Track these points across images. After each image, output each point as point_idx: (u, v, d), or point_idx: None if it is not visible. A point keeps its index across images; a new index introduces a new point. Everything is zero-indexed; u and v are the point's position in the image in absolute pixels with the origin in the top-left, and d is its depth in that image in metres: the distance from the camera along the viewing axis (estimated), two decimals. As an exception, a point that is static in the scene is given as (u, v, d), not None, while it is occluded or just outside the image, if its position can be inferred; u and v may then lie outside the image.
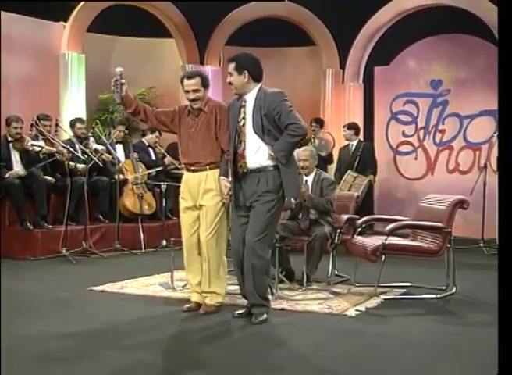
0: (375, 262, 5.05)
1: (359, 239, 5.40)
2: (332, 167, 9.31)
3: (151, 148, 9.00)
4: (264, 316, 4.29)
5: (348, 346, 3.80)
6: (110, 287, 5.49)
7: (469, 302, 5.05)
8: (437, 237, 5.08)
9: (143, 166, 8.55)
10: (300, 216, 5.74)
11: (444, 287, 5.31)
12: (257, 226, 4.28)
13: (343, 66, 10.38)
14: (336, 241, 5.66)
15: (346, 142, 9.15)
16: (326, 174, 6.05)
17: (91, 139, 8.19)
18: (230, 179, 4.45)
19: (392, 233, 5.04)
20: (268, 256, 4.36)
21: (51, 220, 7.67)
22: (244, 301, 4.56)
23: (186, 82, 4.59)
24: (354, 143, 8.99)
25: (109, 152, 8.15)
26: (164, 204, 8.26)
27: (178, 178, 8.56)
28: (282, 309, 4.68)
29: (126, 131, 8.64)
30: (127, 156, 8.48)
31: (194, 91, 4.53)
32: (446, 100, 10.24)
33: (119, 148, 8.57)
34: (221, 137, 4.52)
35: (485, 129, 9.99)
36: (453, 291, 5.19)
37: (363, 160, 8.79)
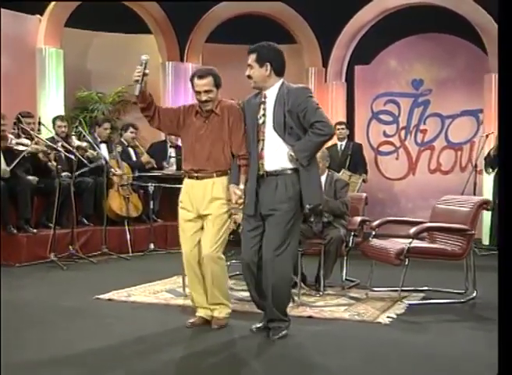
0: (398, 266, 4.89)
1: (377, 242, 5.25)
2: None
3: (131, 147, 8.67)
4: (284, 331, 3.96)
5: (402, 358, 3.61)
6: (116, 295, 5.19)
7: (494, 306, 4.91)
8: (460, 239, 4.96)
9: (127, 166, 8.22)
10: (312, 219, 5.51)
11: (463, 291, 5.20)
12: (276, 238, 3.89)
13: (325, 64, 10.24)
14: (350, 244, 5.49)
15: (334, 142, 8.99)
16: (338, 175, 5.87)
17: (73, 137, 7.83)
18: (241, 186, 4.07)
19: (417, 236, 4.90)
20: (290, 270, 4.02)
21: (33, 224, 7.27)
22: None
23: (197, 81, 4.13)
24: (344, 142, 8.86)
25: (94, 150, 7.78)
26: (151, 206, 7.96)
27: (161, 179, 8.34)
28: (309, 317, 4.49)
29: (111, 130, 8.31)
30: (112, 156, 8.12)
31: (206, 91, 4.10)
32: (427, 100, 10.23)
33: (103, 147, 8.20)
34: (234, 140, 4.13)
35: (466, 129, 10.04)
36: (474, 294, 5.07)
37: (354, 160, 8.67)
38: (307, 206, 3.99)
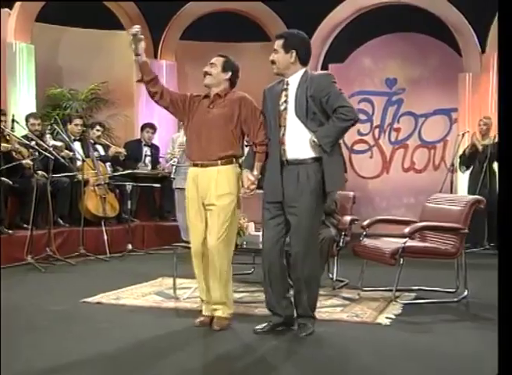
0: (392, 266, 4.86)
1: (369, 242, 5.21)
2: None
3: (99, 144, 8.48)
4: (311, 329, 3.95)
5: (412, 359, 3.56)
6: (104, 298, 5.03)
7: (488, 305, 4.93)
8: (453, 238, 4.95)
9: (103, 165, 8.04)
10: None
11: (453, 290, 5.20)
12: (303, 229, 3.88)
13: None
14: (341, 244, 5.43)
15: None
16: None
17: (48, 136, 7.59)
18: (255, 173, 4.04)
19: (412, 235, 4.88)
20: (318, 262, 4.03)
21: (7, 225, 7.04)
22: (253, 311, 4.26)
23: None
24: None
25: (70, 149, 7.58)
26: (129, 206, 7.79)
27: (137, 178, 8.18)
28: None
29: (84, 128, 8.10)
30: (87, 155, 7.91)
31: (211, 64, 4.16)
32: (400, 98, 10.28)
33: (78, 145, 7.99)
34: (251, 128, 4.08)
35: (439, 128, 10.12)
36: (465, 293, 5.07)
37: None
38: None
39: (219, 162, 4.08)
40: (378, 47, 10.32)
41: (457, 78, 9.47)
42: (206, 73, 4.16)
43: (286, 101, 3.95)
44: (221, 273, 4.07)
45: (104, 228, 7.63)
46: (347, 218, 5.56)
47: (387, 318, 4.41)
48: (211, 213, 4.08)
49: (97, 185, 7.74)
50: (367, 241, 5.26)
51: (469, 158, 8.51)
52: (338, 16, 10.00)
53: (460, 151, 8.61)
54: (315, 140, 3.84)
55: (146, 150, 8.88)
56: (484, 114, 8.83)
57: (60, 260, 6.82)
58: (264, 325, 4.04)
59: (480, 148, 8.32)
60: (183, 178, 7.86)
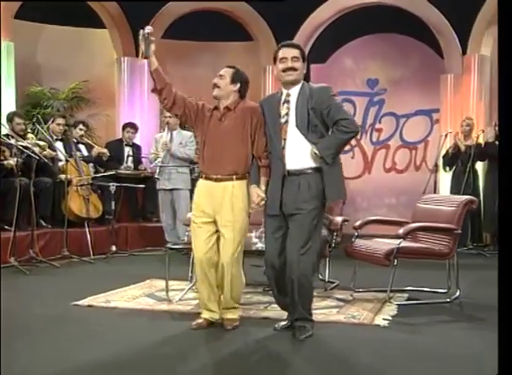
0: (387, 267, 4.85)
1: (362, 243, 5.19)
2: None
3: (81, 144, 8.36)
4: (310, 331, 3.94)
5: (415, 360, 3.55)
6: (94, 301, 4.93)
7: (480, 305, 4.95)
8: (446, 239, 4.96)
9: (86, 166, 7.91)
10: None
11: (445, 290, 5.21)
12: (300, 238, 3.88)
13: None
14: (333, 245, 5.41)
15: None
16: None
17: (31, 135, 7.46)
18: (263, 187, 4.04)
19: (406, 236, 4.87)
20: (313, 269, 4.01)
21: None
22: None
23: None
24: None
25: (53, 149, 7.44)
26: (113, 206, 7.68)
27: (120, 179, 8.06)
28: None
29: (66, 127, 7.96)
30: (69, 154, 7.77)
31: (220, 75, 4.12)
32: (382, 99, 10.32)
33: (60, 145, 7.85)
34: (257, 141, 4.06)
35: (420, 128, 10.18)
36: (458, 294, 5.08)
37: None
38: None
39: (234, 177, 4.06)
40: (360, 47, 10.35)
41: (438, 79, 9.53)
42: (215, 85, 4.11)
43: (287, 114, 3.96)
44: (234, 285, 4.10)
45: (87, 229, 7.52)
46: (338, 219, 5.54)
47: (384, 319, 4.40)
48: (226, 229, 4.05)
49: (81, 186, 7.62)
50: (359, 242, 5.24)
51: (452, 159, 8.56)
52: (320, 17, 9.99)
53: (443, 152, 8.65)
54: (317, 152, 3.86)
55: (128, 150, 8.75)
56: (465, 115, 8.91)
57: (44, 262, 6.69)
58: (284, 323, 4.11)
59: (463, 148, 8.37)
60: (167, 179, 7.84)
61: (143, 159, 8.86)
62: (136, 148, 8.86)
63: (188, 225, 5.73)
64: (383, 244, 5.00)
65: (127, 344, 3.78)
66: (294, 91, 3.98)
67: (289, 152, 3.93)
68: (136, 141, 8.91)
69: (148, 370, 3.37)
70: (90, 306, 4.79)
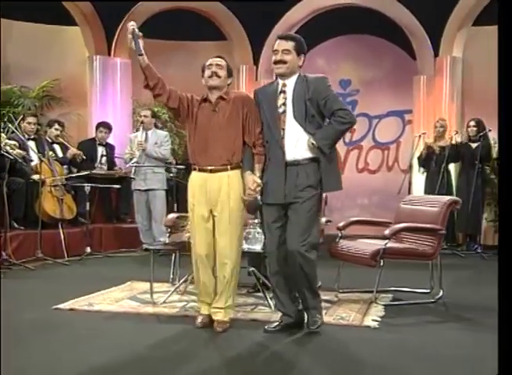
0: (373, 267, 4.85)
1: (347, 243, 5.18)
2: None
3: (56, 144, 8.19)
4: (320, 320, 4.04)
5: (415, 362, 3.54)
6: (76, 304, 4.83)
7: (464, 305, 4.98)
8: (430, 239, 4.98)
9: (59, 165, 7.75)
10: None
11: (428, 291, 5.24)
12: (300, 227, 3.91)
13: (256, 62, 10.13)
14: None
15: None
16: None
17: (3, 134, 7.27)
18: (257, 174, 4.04)
19: (392, 236, 4.88)
20: (315, 257, 4.02)
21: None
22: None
23: (212, 58, 4.13)
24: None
25: (24, 148, 7.26)
26: (88, 207, 7.54)
27: (93, 179, 7.91)
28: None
29: (39, 126, 7.79)
30: (42, 154, 7.59)
31: (218, 65, 4.08)
32: (355, 100, 10.36)
33: (32, 144, 7.66)
34: (251, 129, 4.05)
35: (392, 129, 10.27)
36: (441, 294, 5.11)
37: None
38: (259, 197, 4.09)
39: (229, 167, 4.06)
40: (333, 48, 10.38)
41: (410, 80, 9.61)
42: (215, 74, 4.05)
43: (284, 104, 3.97)
44: (232, 280, 4.10)
45: (61, 231, 7.36)
46: (322, 219, 5.51)
47: (373, 320, 4.39)
48: (223, 219, 4.05)
49: (54, 186, 7.45)
50: (343, 243, 5.23)
51: (426, 160, 8.63)
52: (294, 17, 9.98)
53: (418, 153, 8.72)
54: (314, 142, 3.88)
55: (101, 150, 8.60)
56: (438, 116, 8.99)
57: (17, 265, 6.53)
58: (275, 324, 4.11)
59: (437, 149, 8.44)
60: (142, 179, 7.74)
61: (116, 159, 8.73)
62: (110, 148, 8.72)
63: (170, 226, 5.71)
64: (368, 245, 5.00)
65: (119, 349, 3.69)
66: (290, 82, 4.00)
67: (288, 142, 3.95)
68: (109, 140, 8.77)
69: (144, 374, 3.30)
70: (72, 310, 4.67)
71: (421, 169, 8.76)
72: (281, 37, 4.08)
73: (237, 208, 4.08)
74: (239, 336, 4.01)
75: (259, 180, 4.00)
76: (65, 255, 7.23)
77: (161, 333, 4.06)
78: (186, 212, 7.13)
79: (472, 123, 8.33)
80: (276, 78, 4.09)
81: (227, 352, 3.68)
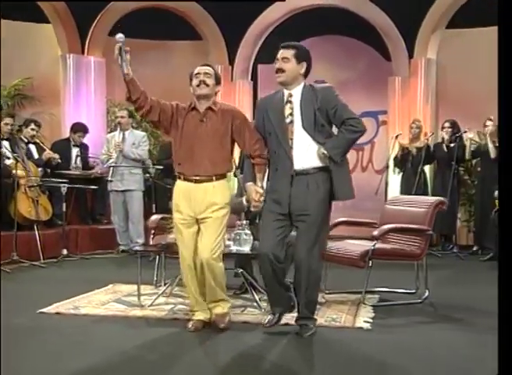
0: (361, 268, 4.85)
1: (334, 244, 5.17)
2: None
3: (32, 144, 8.02)
4: (313, 329, 4.02)
5: (415, 363, 3.55)
6: (62, 308, 4.73)
7: (451, 305, 5.01)
8: (417, 239, 5.01)
9: (34, 166, 7.59)
10: (258, 220, 5.35)
11: (413, 291, 5.27)
12: (310, 236, 3.91)
13: (231, 62, 10.08)
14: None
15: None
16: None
17: (-23, 135, 7.11)
18: (259, 184, 4.03)
19: (381, 237, 4.89)
20: (321, 268, 4.05)
21: None
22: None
23: (199, 67, 4.10)
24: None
25: (-2, 150, 7.12)
26: (64, 208, 7.39)
27: (69, 179, 7.76)
28: (286, 324, 4.25)
29: (16, 127, 7.62)
30: (17, 154, 7.41)
31: (206, 73, 4.05)
32: (329, 100, 10.33)
33: (6, 144, 7.49)
34: (246, 140, 4.05)
35: (367, 130, 10.26)
36: (427, 294, 5.14)
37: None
38: (245, 202, 4.31)
39: (214, 177, 4.04)
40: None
41: (384, 82, 9.67)
42: (203, 83, 4.02)
43: (291, 114, 3.95)
44: (216, 279, 4.08)
45: (37, 232, 7.21)
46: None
47: (365, 322, 4.39)
48: (205, 225, 4.05)
49: (29, 187, 7.30)
50: (330, 244, 5.20)
51: (401, 161, 8.69)
52: (269, 17, 9.96)
53: (394, 153, 8.77)
54: (325, 152, 3.86)
55: (76, 150, 8.45)
56: (413, 117, 9.07)
57: (-9, 267, 6.37)
58: (270, 317, 4.12)
59: (414, 151, 8.51)
60: (119, 180, 7.63)
61: (91, 159, 8.59)
62: (84, 148, 8.58)
63: (153, 228, 5.64)
64: (356, 246, 5.01)
65: (113, 353, 3.62)
66: (296, 92, 3.98)
67: (297, 152, 3.92)
68: (83, 140, 8.61)
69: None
70: (58, 314, 4.58)
71: (397, 170, 8.81)
72: (282, 46, 4.06)
73: (220, 215, 4.05)
74: (233, 339, 3.97)
75: (261, 190, 4.00)
76: (41, 257, 7.08)
77: (153, 336, 4.00)
78: (166, 212, 7.13)
79: (447, 125, 8.41)
80: (281, 88, 4.04)
81: (223, 356, 3.63)
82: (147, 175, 7.89)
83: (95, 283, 5.72)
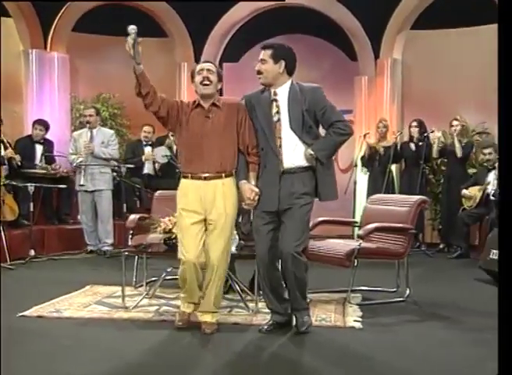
0: (347, 268, 4.86)
1: (317, 244, 5.15)
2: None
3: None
4: (309, 321, 4.08)
5: (415, 363, 3.56)
6: (42, 311, 4.59)
7: (434, 303, 5.06)
8: (401, 238, 5.04)
9: (-1, 165, 7.35)
10: (239, 220, 5.30)
11: (394, 289, 5.30)
12: (296, 231, 3.92)
13: (197, 60, 9.95)
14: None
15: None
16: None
17: None
18: (253, 182, 3.99)
19: (367, 236, 4.90)
20: (306, 260, 4.03)
21: None
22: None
23: (201, 64, 4.11)
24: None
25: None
26: (31, 208, 7.18)
27: (35, 178, 7.55)
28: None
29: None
30: (-20, 152, 7.20)
31: (209, 70, 4.02)
32: (295, 100, 10.35)
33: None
34: (247, 137, 4.01)
35: (332, 129, 10.31)
36: (408, 292, 5.18)
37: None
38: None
39: (223, 174, 4.00)
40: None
41: (350, 81, 9.73)
42: (208, 79, 3.99)
43: (278, 113, 3.94)
44: (220, 283, 4.06)
45: (2, 233, 6.97)
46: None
47: (356, 321, 4.38)
48: (216, 226, 4.00)
49: (-5, 186, 7.07)
50: (313, 243, 5.18)
51: (369, 161, 8.76)
52: (235, 15, 9.89)
53: (361, 153, 8.83)
54: (312, 153, 3.87)
55: (39, 148, 8.21)
56: (379, 116, 9.15)
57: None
58: (269, 324, 4.10)
59: (381, 150, 8.58)
60: (90, 180, 7.42)
61: (56, 158, 8.35)
62: (48, 145, 8.32)
63: (132, 228, 5.52)
64: (340, 245, 5.01)
65: (107, 357, 3.54)
66: (281, 91, 3.96)
67: (285, 151, 3.92)
68: (47, 136, 8.36)
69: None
70: (40, 317, 4.43)
71: (364, 169, 8.88)
72: (261, 47, 4.06)
73: (232, 214, 4.06)
74: (227, 341, 3.93)
75: (256, 189, 3.97)
76: (8, 258, 6.85)
77: (145, 339, 3.93)
78: (134, 212, 7.01)
79: (414, 124, 8.52)
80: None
81: (219, 358, 3.61)
82: (114, 173, 7.71)
83: (69, 284, 5.57)
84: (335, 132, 3.90)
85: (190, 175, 4.03)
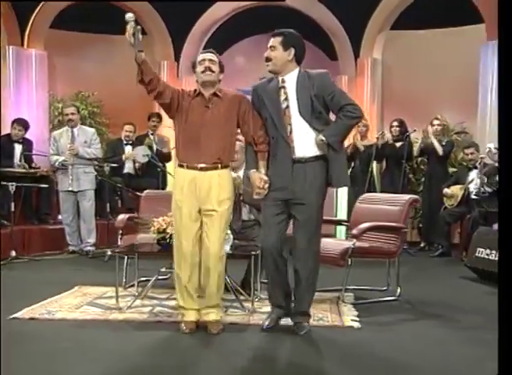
0: (341, 267, 4.87)
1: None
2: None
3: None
4: (308, 327, 4.02)
5: (416, 362, 3.58)
6: (34, 313, 4.48)
7: (428, 302, 5.08)
8: (393, 237, 5.07)
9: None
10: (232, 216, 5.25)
11: (385, 288, 5.32)
12: (310, 225, 3.91)
13: (177, 58, 9.91)
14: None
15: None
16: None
17: None
18: (263, 171, 3.95)
19: (361, 235, 4.90)
20: (319, 260, 4.02)
21: None
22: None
23: (202, 54, 4.05)
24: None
25: None
26: (12, 208, 7.04)
27: (14, 178, 7.40)
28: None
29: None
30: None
31: (211, 60, 3.98)
32: (274, 99, 10.34)
33: None
34: (251, 126, 3.97)
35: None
36: (399, 291, 5.20)
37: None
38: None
39: (219, 165, 3.96)
40: (253, 46, 10.32)
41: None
42: (209, 69, 3.94)
43: (286, 99, 3.90)
44: (219, 277, 4.01)
45: (-18, 234, 6.84)
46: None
47: (353, 320, 4.38)
48: (212, 219, 3.97)
49: (-26, 186, 6.92)
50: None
51: (349, 159, 8.77)
52: (215, 14, 9.88)
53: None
54: (323, 138, 3.81)
55: (19, 147, 8.05)
56: (359, 116, 9.17)
57: None
58: (269, 320, 4.06)
59: (362, 149, 8.61)
60: (74, 179, 7.29)
61: (34, 156, 8.20)
62: (27, 144, 8.16)
63: (121, 228, 5.45)
64: (333, 244, 5.00)
65: (108, 359, 3.48)
66: (289, 78, 3.95)
67: (296, 138, 3.88)
68: (26, 136, 8.20)
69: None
70: (33, 319, 4.33)
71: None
72: (272, 35, 4.01)
73: (226, 208, 4.02)
74: (226, 341, 3.89)
75: (266, 177, 3.93)
76: (-12, 260, 6.72)
77: (144, 340, 3.86)
78: (115, 212, 6.92)
79: (395, 123, 8.57)
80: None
81: (219, 358, 3.58)
82: (95, 173, 7.60)
83: (55, 285, 5.48)
84: (345, 115, 3.85)
85: (185, 165, 3.99)
